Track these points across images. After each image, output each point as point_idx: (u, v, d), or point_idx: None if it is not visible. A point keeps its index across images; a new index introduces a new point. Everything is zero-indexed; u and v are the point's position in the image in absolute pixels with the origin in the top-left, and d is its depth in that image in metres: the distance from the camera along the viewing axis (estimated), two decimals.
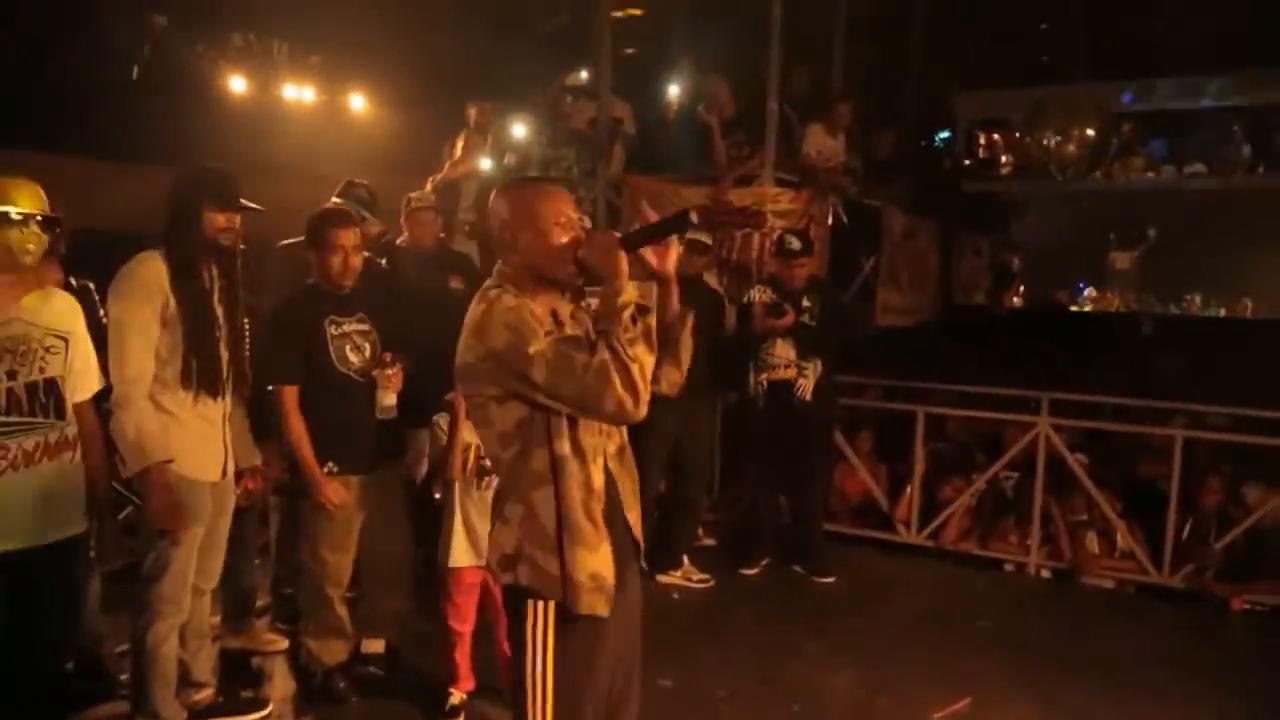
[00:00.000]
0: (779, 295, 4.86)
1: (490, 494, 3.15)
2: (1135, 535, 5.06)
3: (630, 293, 1.86)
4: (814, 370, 4.82)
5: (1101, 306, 10.04)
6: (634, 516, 2.11)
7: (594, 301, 2.00)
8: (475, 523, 3.24)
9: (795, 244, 4.88)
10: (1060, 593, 5.06)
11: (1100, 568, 5.11)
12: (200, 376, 2.85)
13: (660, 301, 2.01)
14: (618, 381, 1.80)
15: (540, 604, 1.97)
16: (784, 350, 4.83)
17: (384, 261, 4.16)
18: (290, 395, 3.20)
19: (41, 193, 2.43)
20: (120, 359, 2.74)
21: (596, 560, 1.95)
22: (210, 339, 2.89)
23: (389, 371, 3.27)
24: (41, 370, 2.37)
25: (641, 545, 2.15)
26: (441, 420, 3.30)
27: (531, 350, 1.86)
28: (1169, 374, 7.82)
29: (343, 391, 3.26)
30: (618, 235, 1.93)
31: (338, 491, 3.22)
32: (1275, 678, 3.98)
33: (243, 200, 2.92)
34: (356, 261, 3.26)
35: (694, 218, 1.89)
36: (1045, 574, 5.23)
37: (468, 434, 3.23)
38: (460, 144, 5.71)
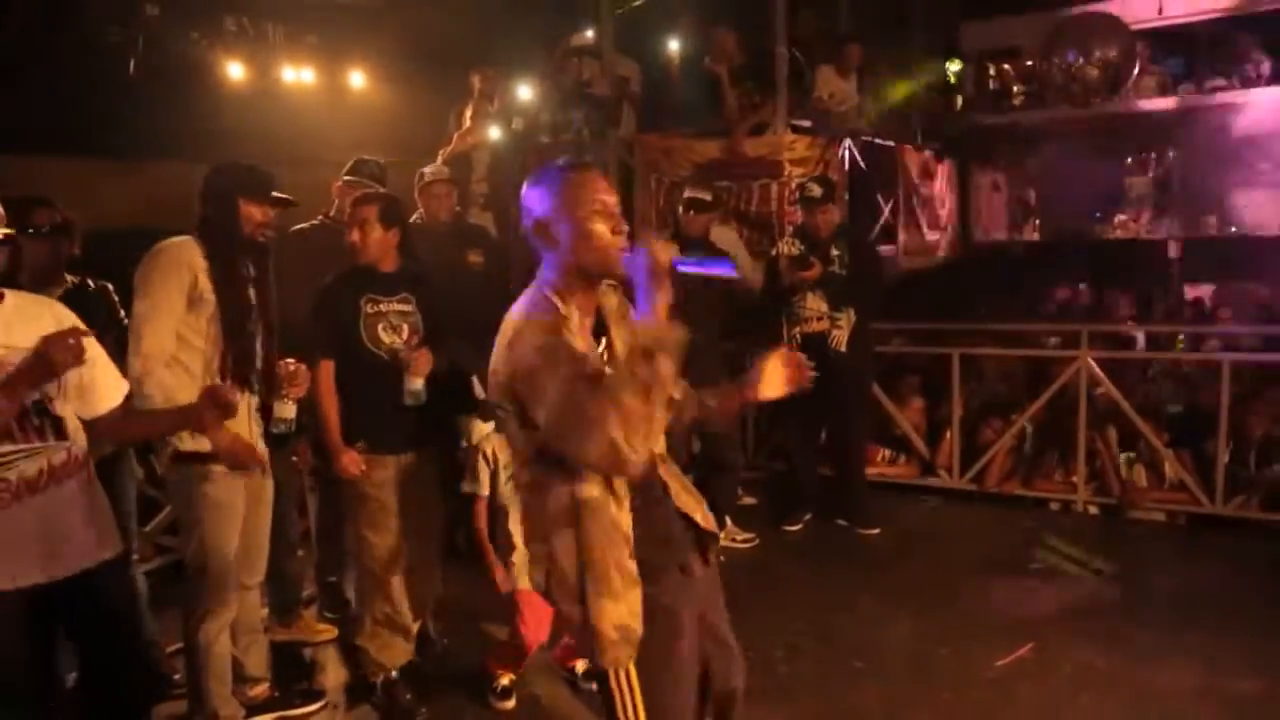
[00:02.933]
0: (806, 246, 4.75)
1: None
2: (1185, 465, 4.96)
3: (650, 334, 1.69)
4: (847, 320, 4.72)
5: (1124, 234, 9.85)
6: (700, 514, 2.03)
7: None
8: None
9: (816, 190, 4.75)
10: (1110, 528, 4.98)
11: (1150, 500, 5.02)
12: (235, 366, 2.83)
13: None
14: (596, 452, 1.66)
15: None
16: (815, 302, 4.73)
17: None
18: (325, 369, 3.16)
19: None
20: (138, 335, 2.70)
21: (621, 610, 1.83)
22: (246, 329, 2.87)
23: (414, 354, 3.17)
24: None
25: (711, 533, 2.06)
26: (469, 423, 3.24)
27: (547, 384, 1.72)
28: (1200, 298, 7.69)
29: (373, 372, 3.17)
30: (673, 256, 1.77)
31: (355, 461, 3.15)
32: None
33: (276, 194, 2.91)
34: (370, 237, 3.16)
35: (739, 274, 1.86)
36: (1093, 510, 5.15)
37: None
38: (468, 114, 5.58)
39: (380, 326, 3.19)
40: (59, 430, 2.24)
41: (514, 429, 1.85)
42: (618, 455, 1.65)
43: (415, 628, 3.57)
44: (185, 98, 5.69)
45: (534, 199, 1.91)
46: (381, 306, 3.20)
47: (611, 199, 1.90)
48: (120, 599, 2.45)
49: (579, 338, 1.84)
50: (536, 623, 3.23)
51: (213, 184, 2.87)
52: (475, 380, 3.85)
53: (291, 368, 2.96)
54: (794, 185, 5.65)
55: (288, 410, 2.97)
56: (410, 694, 3.30)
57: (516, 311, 1.87)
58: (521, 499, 1.94)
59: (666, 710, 1.91)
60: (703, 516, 2.04)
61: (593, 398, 1.67)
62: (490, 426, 3.65)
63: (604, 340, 1.96)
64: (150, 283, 2.74)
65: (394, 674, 3.30)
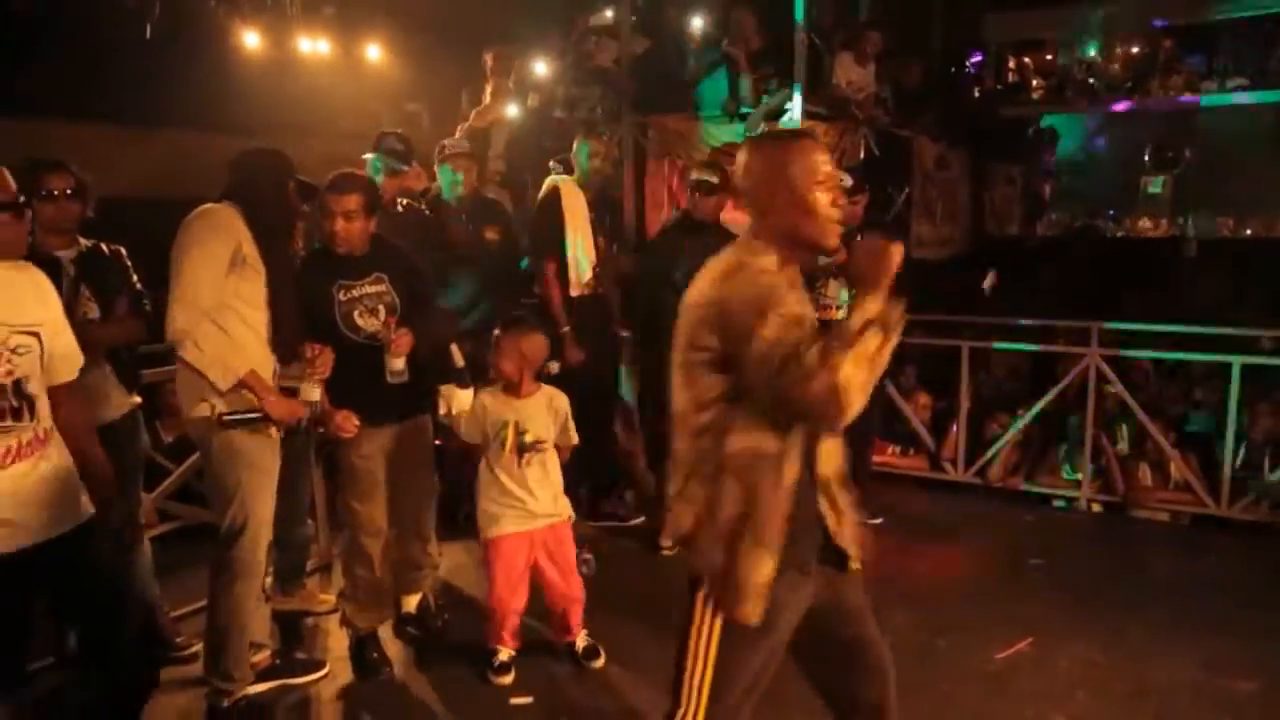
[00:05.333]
0: None
1: (530, 470, 3.19)
2: (1190, 466, 4.94)
3: (874, 310, 1.75)
4: None
5: (1139, 232, 9.79)
6: (833, 519, 1.98)
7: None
8: (517, 493, 3.22)
9: (848, 180, 4.70)
10: (1113, 526, 4.98)
11: (1154, 500, 5.01)
12: (285, 342, 2.95)
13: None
14: (818, 390, 1.67)
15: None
16: (835, 291, 4.68)
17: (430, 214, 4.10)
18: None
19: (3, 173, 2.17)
20: (185, 289, 2.76)
21: (769, 568, 1.84)
22: (289, 300, 2.97)
23: (394, 336, 3.17)
24: (9, 373, 2.13)
25: (838, 545, 2.01)
26: (448, 391, 3.26)
27: (766, 319, 1.74)
28: (1214, 298, 7.63)
29: (356, 354, 3.16)
30: (899, 247, 1.81)
31: (348, 418, 3.16)
32: None
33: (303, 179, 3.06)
34: (353, 227, 3.11)
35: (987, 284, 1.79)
36: (1096, 508, 5.15)
37: (508, 411, 3.21)
38: (488, 90, 5.56)
39: (356, 312, 3.18)
40: (32, 410, 2.20)
41: (699, 373, 1.85)
42: (838, 397, 1.66)
43: (415, 600, 3.66)
44: (201, 64, 5.67)
45: (756, 163, 1.92)
46: (354, 291, 3.18)
47: (830, 168, 1.90)
48: (99, 557, 2.36)
49: (793, 295, 1.86)
50: (505, 576, 3.25)
51: (267, 166, 2.98)
52: (455, 349, 3.86)
53: (317, 351, 3.00)
54: None
55: (314, 393, 3.00)
56: (378, 653, 3.41)
57: (733, 253, 1.89)
58: (684, 439, 1.91)
59: (729, 689, 1.92)
60: (835, 521, 1.99)
61: (813, 346, 1.70)
62: (468, 393, 3.67)
63: None
64: (196, 238, 2.81)
65: (365, 634, 3.41)
